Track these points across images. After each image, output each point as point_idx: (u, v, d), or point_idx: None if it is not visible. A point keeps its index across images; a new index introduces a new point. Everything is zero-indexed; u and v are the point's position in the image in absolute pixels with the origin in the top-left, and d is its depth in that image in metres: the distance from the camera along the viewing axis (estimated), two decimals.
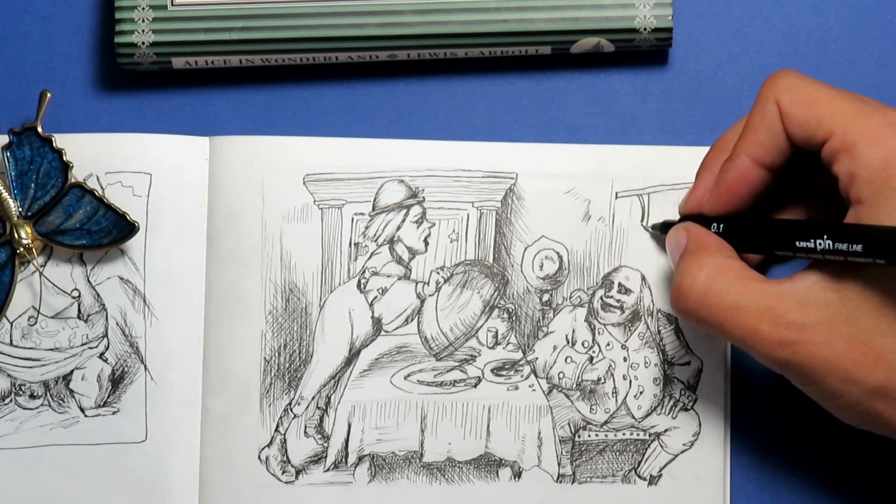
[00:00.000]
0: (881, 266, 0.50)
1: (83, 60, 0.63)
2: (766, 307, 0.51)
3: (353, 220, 0.61)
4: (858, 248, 0.49)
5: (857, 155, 0.50)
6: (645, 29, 0.60)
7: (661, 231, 0.60)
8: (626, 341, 0.61)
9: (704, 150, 0.61)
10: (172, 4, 0.60)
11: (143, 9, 0.60)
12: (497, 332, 0.61)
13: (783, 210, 0.59)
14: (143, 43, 0.60)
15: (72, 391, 0.60)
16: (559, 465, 0.60)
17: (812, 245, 0.51)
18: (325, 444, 0.60)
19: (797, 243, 0.52)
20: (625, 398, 0.61)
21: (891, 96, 0.62)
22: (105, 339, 0.60)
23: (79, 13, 0.63)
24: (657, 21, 0.60)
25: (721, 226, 0.56)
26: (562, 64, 0.63)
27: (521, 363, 0.61)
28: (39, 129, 0.60)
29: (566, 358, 0.61)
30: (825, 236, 0.50)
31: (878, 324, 0.50)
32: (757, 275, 0.53)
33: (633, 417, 0.60)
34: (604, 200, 0.61)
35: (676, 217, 0.60)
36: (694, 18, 0.63)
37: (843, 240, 0.50)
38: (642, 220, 0.61)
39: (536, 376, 0.61)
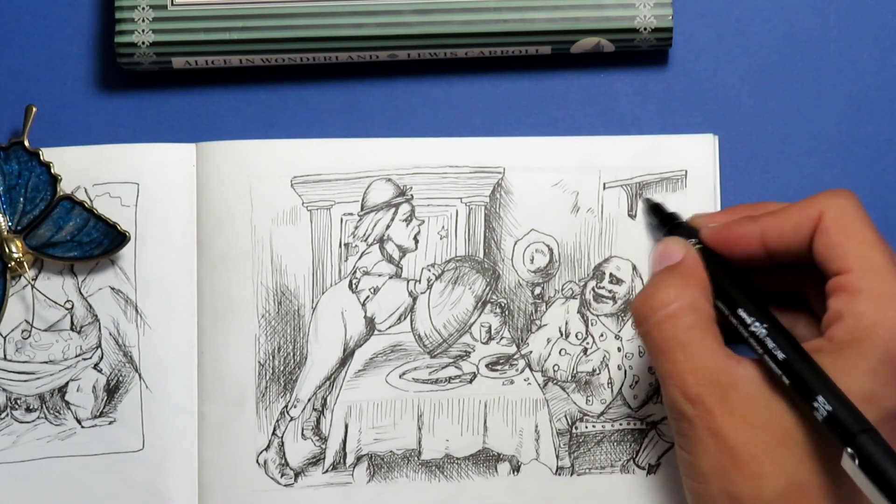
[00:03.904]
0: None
1: (83, 60, 0.63)
2: (703, 366, 0.51)
3: (342, 220, 0.61)
4: (778, 372, 0.50)
5: (855, 303, 0.50)
6: (645, 29, 0.60)
7: (652, 211, 0.60)
8: (619, 331, 0.61)
9: (691, 137, 0.61)
10: (172, 4, 0.60)
11: (143, 9, 0.60)
12: (490, 328, 0.61)
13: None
14: (143, 43, 0.60)
15: (67, 403, 0.60)
16: (557, 457, 0.60)
17: (748, 321, 0.52)
18: (323, 446, 0.60)
19: (738, 311, 0.52)
20: (620, 388, 0.61)
21: (891, 96, 0.62)
22: (99, 349, 0.60)
23: (79, 13, 0.63)
24: (657, 21, 0.60)
25: (698, 245, 0.56)
26: (562, 64, 0.63)
27: (515, 357, 0.61)
28: (26, 144, 0.60)
29: (560, 350, 0.61)
30: (766, 326, 0.51)
31: (778, 450, 0.50)
32: (717, 335, 0.52)
33: (630, 407, 0.60)
34: (592, 192, 0.61)
35: (671, 209, 0.60)
36: (694, 18, 0.63)
37: (778, 348, 0.50)
38: (630, 211, 0.61)
39: (531, 370, 0.61)
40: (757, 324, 0.52)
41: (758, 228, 0.54)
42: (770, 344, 0.51)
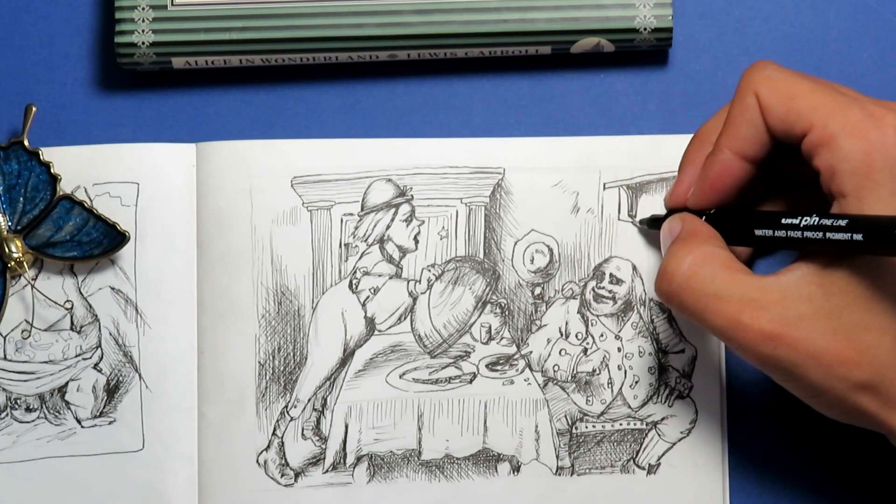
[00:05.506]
0: (864, 255, 0.49)
1: (83, 60, 0.63)
2: (748, 298, 0.50)
3: (342, 220, 0.61)
4: (843, 222, 0.49)
5: (837, 148, 0.50)
6: (645, 29, 0.60)
7: (648, 226, 0.60)
8: (619, 331, 0.61)
9: (689, 138, 0.61)
10: (172, 4, 0.60)
11: (143, 9, 0.60)
12: (490, 328, 0.61)
13: (766, 203, 0.59)
14: (143, 43, 0.60)
15: (67, 403, 0.60)
16: (557, 457, 0.60)
17: (797, 221, 0.51)
18: (323, 446, 0.60)
19: (782, 220, 0.51)
20: (620, 388, 0.61)
21: (891, 96, 0.62)
22: (99, 349, 0.60)
23: (79, 13, 0.63)
24: (657, 21, 0.60)
25: (711, 211, 0.56)
26: (562, 64, 0.63)
27: (515, 357, 0.61)
28: (26, 143, 0.60)
29: (560, 350, 0.61)
30: (815, 214, 0.50)
31: (860, 318, 0.50)
32: (743, 267, 0.52)
33: (630, 407, 0.61)
34: (592, 192, 0.61)
35: (663, 211, 0.60)
36: (694, 18, 0.63)
37: (836, 219, 0.49)
38: (630, 211, 0.61)
39: (531, 370, 0.61)
40: (806, 218, 0.50)
41: (727, 154, 0.54)
42: (827, 222, 0.49)
